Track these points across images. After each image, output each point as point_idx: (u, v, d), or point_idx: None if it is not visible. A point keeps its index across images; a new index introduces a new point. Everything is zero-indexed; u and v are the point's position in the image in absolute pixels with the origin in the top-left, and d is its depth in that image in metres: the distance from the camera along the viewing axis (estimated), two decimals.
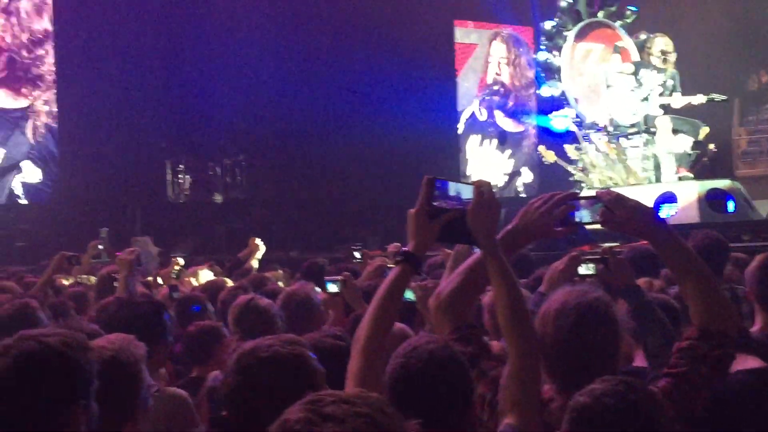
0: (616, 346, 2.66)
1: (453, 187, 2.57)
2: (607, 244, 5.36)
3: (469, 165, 19.71)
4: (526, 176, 19.55)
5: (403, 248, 2.58)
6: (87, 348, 2.04)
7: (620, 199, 2.64)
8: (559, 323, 2.59)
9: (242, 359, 2.28)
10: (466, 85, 19.84)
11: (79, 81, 16.06)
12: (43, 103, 13.30)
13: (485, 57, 19.64)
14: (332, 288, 4.80)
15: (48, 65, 13.45)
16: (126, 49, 16.19)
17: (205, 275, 7.70)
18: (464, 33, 19.57)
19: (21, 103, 13.17)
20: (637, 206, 2.65)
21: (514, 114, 19.52)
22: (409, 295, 4.46)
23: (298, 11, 17.83)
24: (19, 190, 13.63)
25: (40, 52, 13.08)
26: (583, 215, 2.72)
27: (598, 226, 2.83)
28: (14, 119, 12.98)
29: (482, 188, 2.52)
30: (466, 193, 2.53)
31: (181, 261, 8.00)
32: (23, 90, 12.90)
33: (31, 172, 13.78)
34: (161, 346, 3.51)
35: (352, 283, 4.81)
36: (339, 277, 4.86)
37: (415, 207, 2.52)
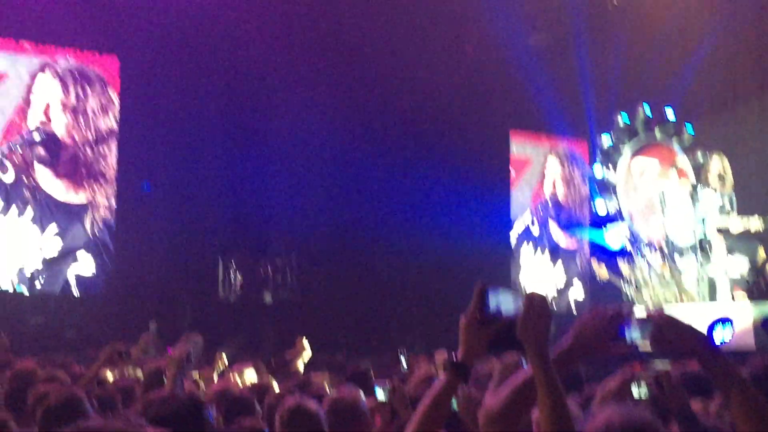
0: None
1: (504, 297, 2.56)
2: (659, 363, 5.25)
3: (522, 275, 19.67)
4: (578, 291, 19.41)
5: (453, 357, 2.55)
6: None
7: (672, 322, 2.59)
8: None
9: None
10: (521, 197, 19.98)
11: (138, 177, 16.42)
12: (104, 197, 13.64)
13: (541, 171, 19.85)
14: (380, 394, 4.73)
15: (110, 162, 13.87)
16: (184, 148, 16.55)
17: (250, 374, 7.67)
18: (520, 147, 19.84)
19: (81, 197, 13.59)
20: (689, 330, 2.60)
21: (567, 228, 19.48)
22: (452, 404, 4.38)
23: (356, 117, 18.13)
24: (72, 281, 13.78)
25: (104, 149, 13.51)
26: (634, 334, 2.64)
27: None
28: (74, 212, 13.31)
29: (534, 299, 2.50)
30: (516, 303, 2.52)
31: (225, 358, 7.99)
32: (85, 184, 13.29)
33: (86, 264, 14.02)
34: None
35: (401, 390, 4.74)
36: (387, 384, 4.79)
37: (467, 315, 2.51)
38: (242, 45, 17.13)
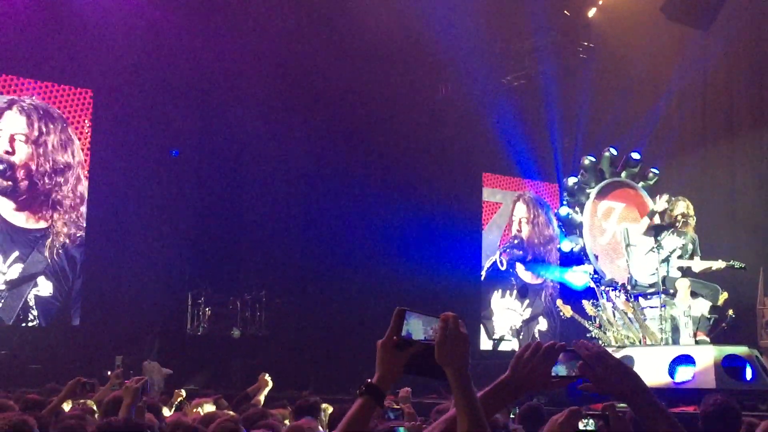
0: None
1: (416, 321, 2.50)
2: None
3: (492, 310, 20.21)
4: (543, 324, 20.09)
5: (368, 380, 2.53)
6: None
7: (601, 355, 2.49)
8: None
9: None
10: (491, 237, 20.73)
11: (106, 207, 16.46)
12: (63, 225, 14.17)
13: (509, 215, 20.75)
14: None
15: (66, 191, 14.41)
16: (154, 181, 16.65)
17: (209, 409, 7.66)
18: (491, 193, 20.74)
19: (40, 224, 14.08)
20: (618, 365, 2.50)
21: (533, 267, 20.04)
22: None
23: (330, 155, 18.27)
24: (32, 302, 14.04)
25: (60, 179, 14.06)
26: (559, 369, 2.58)
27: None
28: (34, 239, 13.71)
29: (448, 321, 2.44)
30: (427, 326, 2.47)
31: (183, 393, 8.00)
32: (44, 212, 13.76)
33: (45, 287, 14.39)
34: None
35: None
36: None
37: (384, 338, 2.50)
38: (215, 81, 17.29)
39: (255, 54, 17.40)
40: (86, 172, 15.68)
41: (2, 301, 13.88)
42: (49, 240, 14.12)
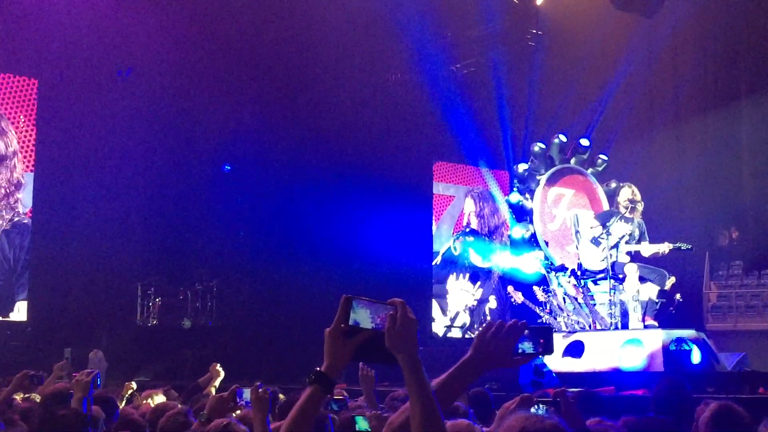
0: None
1: (363, 309, 2.48)
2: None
3: (447, 290, 20.74)
4: (493, 303, 20.88)
5: (317, 368, 2.52)
6: None
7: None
8: None
9: None
10: (445, 226, 21.15)
11: (54, 195, 16.25)
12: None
13: (461, 207, 21.34)
14: None
15: (3, 180, 15.01)
16: (102, 170, 16.43)
17: (159, 400, 7.58)
18: (445, 187, 21.26)
19: None
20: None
21: (483, 253, 20.78)
22: (363, 425, 4.47)
23: (281, 142, 18.18)
24: None
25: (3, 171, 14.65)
26: (525, 346, 2.66)
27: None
28: None
29: (396, 305, 2.45)
30: (375, 313, 2.46)
31: (134, 385, 7.93)
32: None
33: None
34: None
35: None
36: None
37: (331, 326, 2.49)
38: (164, 66, 17.08)
39: (206, 35, 17.20)
40: (22, 161, 15.78)
41: None
42: None
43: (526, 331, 2.68)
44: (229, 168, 16.92)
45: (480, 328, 2.80)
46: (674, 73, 19.34)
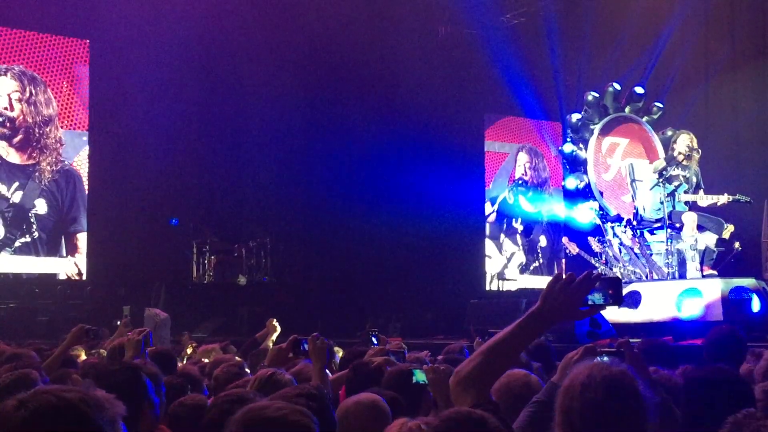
0: (645, 419, 2.57)
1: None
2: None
3: (496, 256, 20.68)
4: (543, 242, 21.43)
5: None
6: (103, 407, 1.97)
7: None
8: (586, 396, 2.54)
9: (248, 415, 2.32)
10: (500, 180, 21.24)
11: (109, 159, 16.45)
12: (47, 164, 16.27)
13: (514, 162, 21.57)
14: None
15: (52, 137, 16.31)
16: (156, 130, 16.53)
17: (217, 355, 7.66)
18: (500, 146, 21.42)
19: (29, 162, 16.22)
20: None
21: (536, 201, 21.22)
22: (421, 377, 4.45)
23: (330, 100, 18.16)
24: (33, 219, 16.04)
25: (46, 129, 16.23)
26: (595, 297, 2.69)
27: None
28: (27, 172, 16.08)
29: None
30: None
31: (194, 344, 8.03)
32: (33, 154, 16.17)
33: (41, 207, 16.24)
34: (145, 409, 3.52)
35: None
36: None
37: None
38: (212, 29, 17.09)
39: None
40: (60, 122, 16.59)
41: (9, 216, 15.87)
42: (37, 173, 16.18)
43: (597, 283, 2.67)
44: (176, 222, 17.22)
45: (549, 280, 2.79)
46: (731, 16, 18.84)
